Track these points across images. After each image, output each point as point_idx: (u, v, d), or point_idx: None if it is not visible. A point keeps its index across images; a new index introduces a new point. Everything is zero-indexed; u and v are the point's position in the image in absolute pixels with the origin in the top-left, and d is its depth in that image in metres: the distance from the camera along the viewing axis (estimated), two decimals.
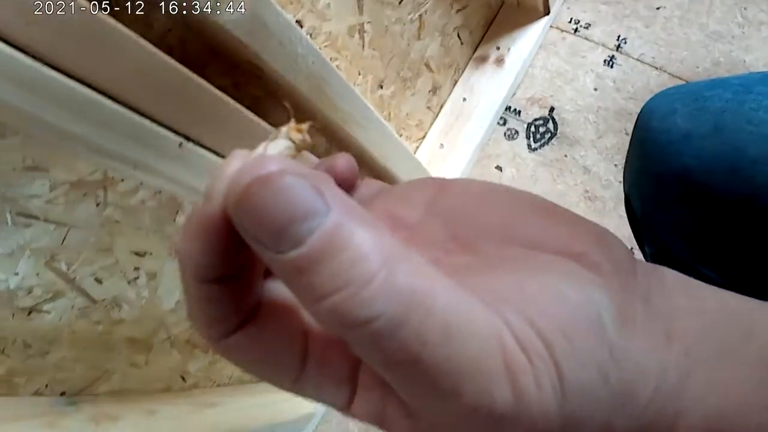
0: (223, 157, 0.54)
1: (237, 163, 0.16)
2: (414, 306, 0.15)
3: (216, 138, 0.51)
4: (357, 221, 0.15)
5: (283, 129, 0.20)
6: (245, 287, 0.19)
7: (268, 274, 0.21)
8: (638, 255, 0.59)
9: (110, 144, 0.43)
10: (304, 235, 0.14)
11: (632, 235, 1.02)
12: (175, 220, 0.60)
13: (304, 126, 0.20)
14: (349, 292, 0.14)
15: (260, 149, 0.19)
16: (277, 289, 0.21)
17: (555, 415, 0.17)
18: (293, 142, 0.20)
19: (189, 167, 0.50)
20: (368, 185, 0.26)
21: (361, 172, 0.26)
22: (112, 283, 0.60)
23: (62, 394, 0.67)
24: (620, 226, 1.06)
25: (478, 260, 0.21)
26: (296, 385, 0.20)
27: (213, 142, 0.51)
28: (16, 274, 0.52)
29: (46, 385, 0.64)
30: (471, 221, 0.22)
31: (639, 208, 0.55)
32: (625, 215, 1.04)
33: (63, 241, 0.52)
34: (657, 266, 0.22)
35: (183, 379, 0.84)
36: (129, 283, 0.61)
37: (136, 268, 0.61)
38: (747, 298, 0.22)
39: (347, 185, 0.25)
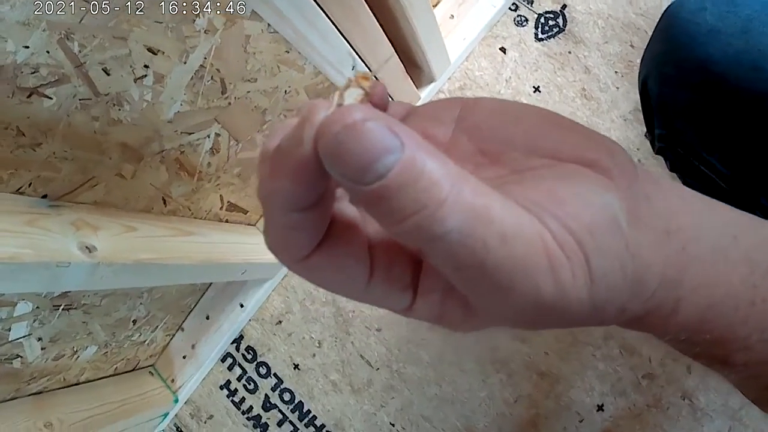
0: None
1: (323, 112, 0.19)
2: (478, 219, 0.18)
3: None
4: (426, 153, 0.18)
5: (352, 78, 0.23)
6: (322, 213, 0.21)
7: None
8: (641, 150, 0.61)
9: None
10: (385, 168, 0.17)
11: (622, 137, 1.05)
12: (194, 21, 0.58)
13: (370, 74, 0.23)
14: (427, 213, 0.17)
15: (336, 98, 0.21)
16: (342, 211, 0.24)
17: (586, 300, 0.20)
18: (363, 89, 0.22)
19: None
20: (396, 108, 0.29)
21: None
22: (119, 77, 0.58)
23: (44, 197, 0.66)
24: (611, 129, 1.08)
25: (505, 172, 0.24)
26: (366, 294, 0.23)
27: None
28: (27, 47, 0.49)
29: (30, 184, 0.63)
30: (496, 136, 0.25)
31: (655, 91, 0.57)
32: (616, 119, 1.07)
33: (82, 19, 0.50)
34: (653, 173, 0.25)
35: (164, 202, 0.84)
36: (135, 81, 0.60)
37: (146, 66, 0.59)
38: (730, 207, 0.25)
39: (380, 110, 0.27)
